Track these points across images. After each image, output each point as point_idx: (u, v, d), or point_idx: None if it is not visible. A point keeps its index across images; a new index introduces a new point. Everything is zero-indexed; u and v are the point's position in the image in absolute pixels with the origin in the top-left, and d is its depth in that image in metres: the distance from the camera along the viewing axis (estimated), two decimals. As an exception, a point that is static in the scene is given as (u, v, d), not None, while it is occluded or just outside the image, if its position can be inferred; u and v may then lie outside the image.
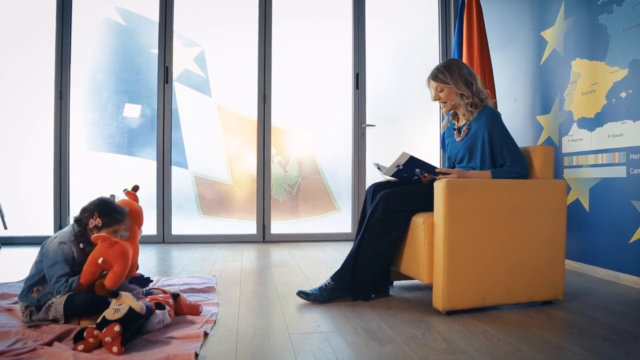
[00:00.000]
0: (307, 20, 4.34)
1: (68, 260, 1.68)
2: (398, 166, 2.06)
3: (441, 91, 2.21)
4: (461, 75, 2.16)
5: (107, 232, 1.70)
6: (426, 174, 2.09)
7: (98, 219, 1.70)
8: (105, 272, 1.68)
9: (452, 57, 3.66)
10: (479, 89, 2.18)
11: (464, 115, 2.24)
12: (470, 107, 2.17)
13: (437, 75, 2.20)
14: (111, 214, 1.73)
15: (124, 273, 1.68)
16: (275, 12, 4.24)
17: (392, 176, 2.16)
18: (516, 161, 2.06)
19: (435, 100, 2.25)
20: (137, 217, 1.91)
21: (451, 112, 2.30)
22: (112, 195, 1.89)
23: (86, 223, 1.72)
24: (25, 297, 1.69)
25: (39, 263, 1.73)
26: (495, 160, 2.12)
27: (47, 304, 1.66)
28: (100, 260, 1.63)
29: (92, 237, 1.66)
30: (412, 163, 2.04)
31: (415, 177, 2.12)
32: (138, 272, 1.98)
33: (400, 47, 4.50)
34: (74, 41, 4.02)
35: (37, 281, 1.70)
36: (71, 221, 1.77)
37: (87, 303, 1.64)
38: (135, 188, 2.00)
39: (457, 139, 2.26)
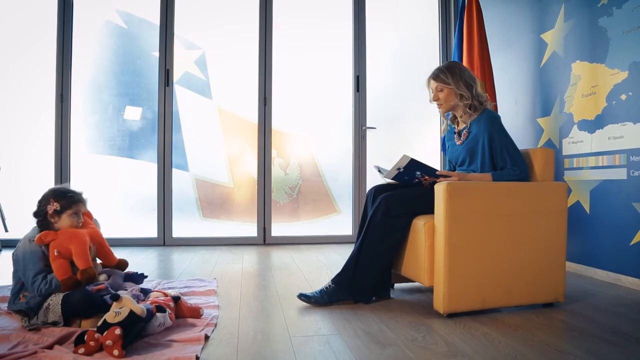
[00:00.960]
0: (307, 20, 4.34)
1: (39, 256, 1.69)
2: (399, 169, 2.06)
3: (441, 91, 2.21)
4: (462, 76, 2.17)
5: (69, 214, 1.76)
6: (427, 177, 2.09)
7: (55, 203, 1.75)
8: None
9: (452, 59, 3.67)
10: (479, 93, 2.19)
11: (461, 117, 2.24)
12: (469, 109, 2.18)
13: (439, 75, 2.20)
14: (66, 195, 1.78)
15: (84, 250, 1.71)
16: (276, 13, 4.25)
17: (392, 179, 2.16)
18: (517, 164, 2.06)
19: (434, 100, 2.25)
20: None
21: (450, 116, 2.31)
22: None
23: (45, 211, 1.75)
24: (14, 304, 1.71)
25: (15, 273, 1.74)
26: (496, 163, 2.12)
27: (44, 307, 1.66)
28: (55, 253, 1.67)
29: (35, 240, 1.68)
30: (413, 166, 2.04)
31: (416, 180, 2.12)
32: (132, 269, 1.99)
33: (400, 48, 4.50)
34: (75, 43, 4.03)
35: (19, 288, 1.72)
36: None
37: (83, 300, 1.64)
38: None
39: (458, 143, 2.26)
